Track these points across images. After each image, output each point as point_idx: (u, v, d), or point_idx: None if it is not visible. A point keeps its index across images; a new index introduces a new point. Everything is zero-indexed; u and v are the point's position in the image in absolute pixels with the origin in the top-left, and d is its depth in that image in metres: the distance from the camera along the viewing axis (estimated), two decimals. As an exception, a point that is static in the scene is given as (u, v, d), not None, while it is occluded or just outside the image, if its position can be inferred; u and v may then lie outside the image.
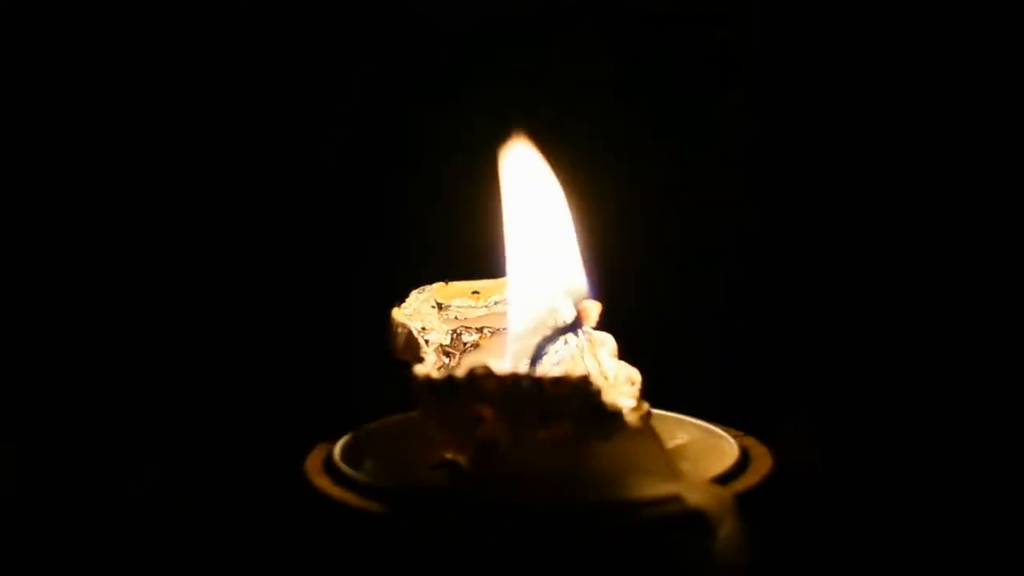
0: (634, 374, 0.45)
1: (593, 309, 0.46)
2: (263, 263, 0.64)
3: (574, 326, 0.46)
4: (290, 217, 0.64)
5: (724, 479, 0.41)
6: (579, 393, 0.40)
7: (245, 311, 0.64)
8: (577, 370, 0.45)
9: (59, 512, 0.57)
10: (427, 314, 0.49)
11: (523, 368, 0.44)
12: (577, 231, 0.48)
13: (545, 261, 0.48)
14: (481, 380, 0.40)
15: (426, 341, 0.47)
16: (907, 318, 0.61)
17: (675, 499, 0.39)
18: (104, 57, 0.62)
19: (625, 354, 0.47)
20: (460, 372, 0.41)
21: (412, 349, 0.47)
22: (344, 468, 0.43)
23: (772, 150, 0.63)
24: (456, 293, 0.50)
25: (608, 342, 0.47)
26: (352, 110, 0.64)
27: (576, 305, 0.46)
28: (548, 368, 0.45)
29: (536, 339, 0.46)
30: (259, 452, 0.57)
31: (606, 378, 0.45)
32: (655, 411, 0.44)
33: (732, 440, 0.45)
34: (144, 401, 0.62)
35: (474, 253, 0.52)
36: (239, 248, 0.64)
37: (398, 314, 0.47)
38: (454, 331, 0.49)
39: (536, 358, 0.45)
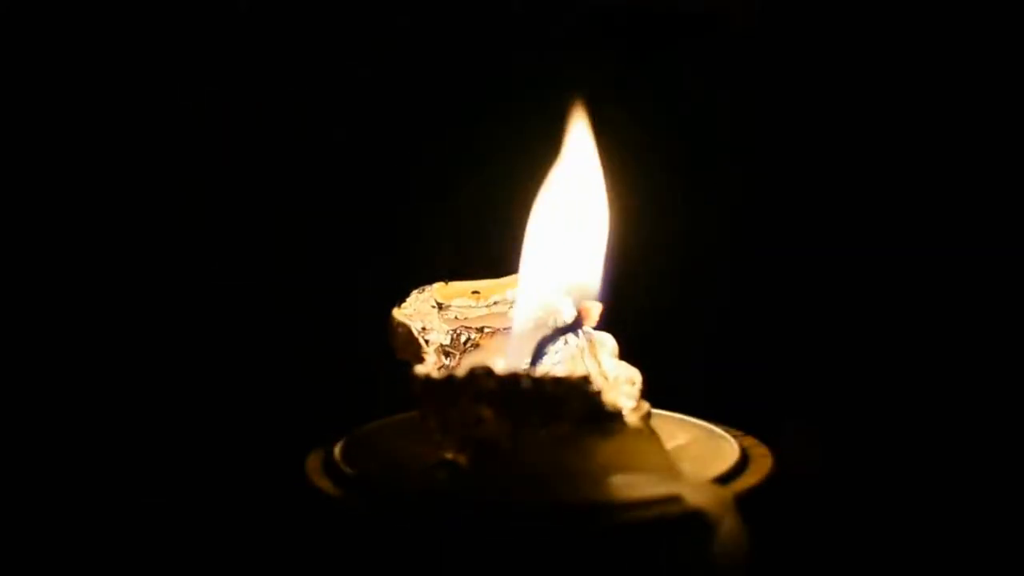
0: (634, 374, 0.45)
1: (593, 309, 0.46)
2: (263, 263, 0.64)
3: (574, 326, 0.46)
4: (290, 217, 0.64)
5: (724, 479, 0.41)
6: (579, 393, 0.40)
7: (245, 312, 0.64)
8: (577, 370, 0.45)
9: (59, 513, 0.57)
10: (427, 314, 0.49)
11: (523, 368, 0.44)
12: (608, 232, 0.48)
13: (563, 258, 0.47)
14: (481, 380, 0.40)
15: (426, 341, 0.47)
16: (907, 319, 0.61)
17: (675, 499, 0.39)
18: (97, 56, 0.62)
19: (625, 354, 0.46)
20: (460, 372, 0.41)
21: (412, 349, 0.47)
22: (344, 468, 0.43)
23: (772, 150, 0.63)
24: (456, 293, 0.50)
25: (608, 342, 0.47)
26: (354, 109, 0.64)
27: (577, 305, 0.46)
28: (548, 368, 0.45)
29: (536, 339, 0.46)
30: (260, 452, 0.57)
31: (606, 378, 0.45)
32: (655, 411, 0.44)
33: (732, 440, 0.45)
34: (145, 402, 0.62)
35: (475, 253, 0.52)
36: (239, 248, 0.64)
37: (398, 314, 0.47)
38: (454, 331, 0.49)
39: (536, 358, 0.45)
